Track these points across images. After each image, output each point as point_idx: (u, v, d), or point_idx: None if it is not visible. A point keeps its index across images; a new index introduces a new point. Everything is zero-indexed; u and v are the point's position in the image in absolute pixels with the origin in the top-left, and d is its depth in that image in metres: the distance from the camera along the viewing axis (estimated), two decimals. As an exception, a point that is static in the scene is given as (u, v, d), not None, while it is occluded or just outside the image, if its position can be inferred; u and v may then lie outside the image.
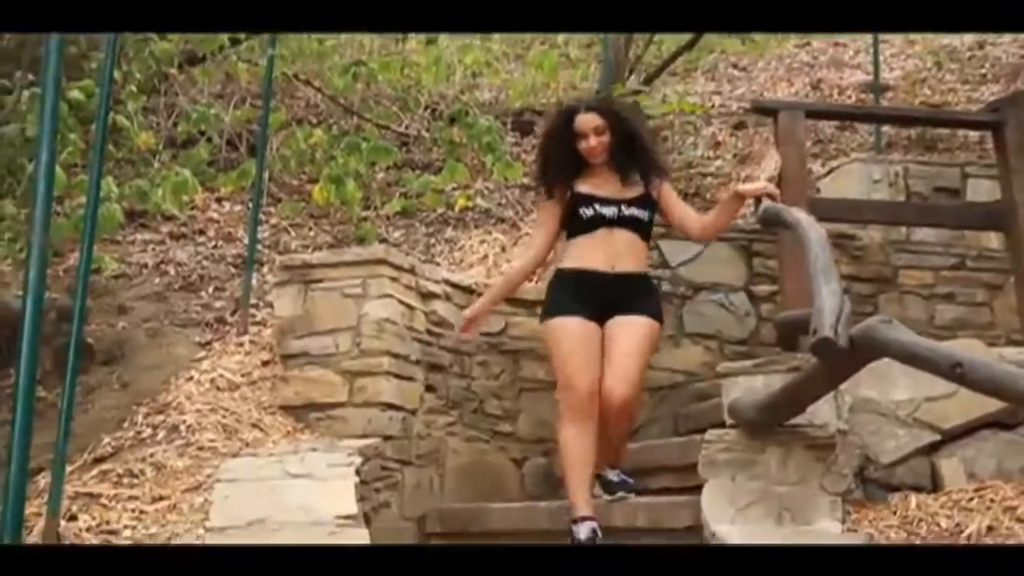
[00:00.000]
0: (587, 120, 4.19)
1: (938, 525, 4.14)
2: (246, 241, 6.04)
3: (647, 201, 4.24)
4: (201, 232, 6.62)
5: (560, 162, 4.23)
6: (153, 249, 6.31)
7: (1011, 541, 3.91)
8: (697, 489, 4.24)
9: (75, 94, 5.47)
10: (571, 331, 4.08)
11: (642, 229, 4.23)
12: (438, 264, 6.33)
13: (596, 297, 4.11)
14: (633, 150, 4.23)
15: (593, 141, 4.17)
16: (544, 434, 5.58)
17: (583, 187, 4.22)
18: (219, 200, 7.03)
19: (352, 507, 3.99)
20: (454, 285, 5.52)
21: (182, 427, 4.70)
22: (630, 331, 4.09)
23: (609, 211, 4.16)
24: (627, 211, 4.17)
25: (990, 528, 4.01)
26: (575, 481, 4.04)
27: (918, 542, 4.03)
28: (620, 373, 4.02)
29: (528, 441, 5.59)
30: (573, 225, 4.21)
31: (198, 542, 3.75)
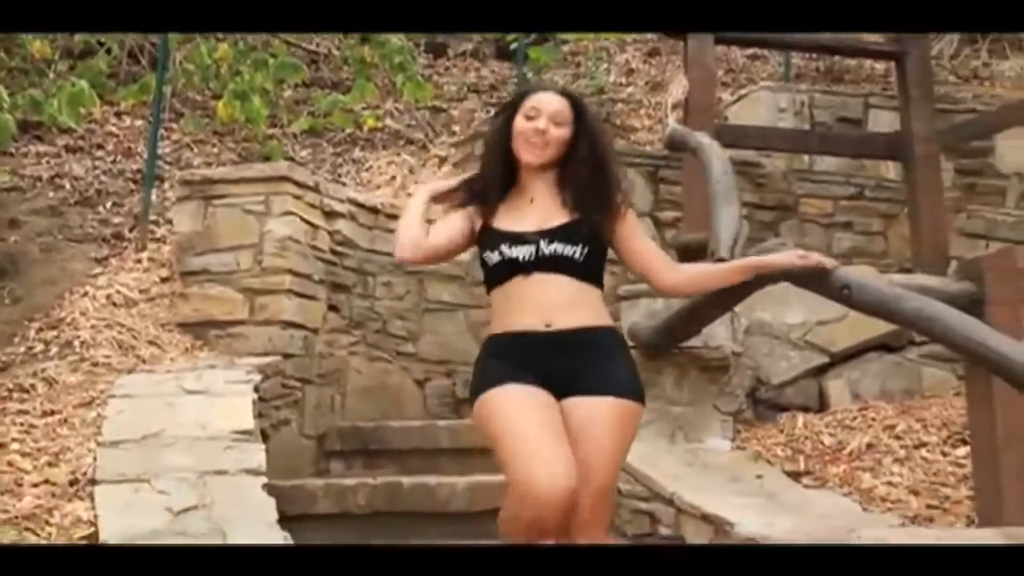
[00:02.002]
0: (549, 98, 2.82)
1: (822, 443, 4.30)
2: (146, 156, 5.88)
3: (577, 230, 2.78)
4: (99, 146, 6.43)
5: (492, 160, 2.85)
6: (48, 162, 6.12)
7: (888, 457, 4.09)
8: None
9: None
10: (515, 401, 2.63)
11: (576, 269, 2.77)
12: (345, 184, 6.25)
13: (538, 367, 2.68)
14: (590, 166, 2.82)
15: (544, 124, 2.78)
16: (447, 355, 5.61)
17: (501, 212, 2.81)
18: (119, 114, 6.81)
19: (248, 423, 3.98)
20: (359, 205, 5.47)
21: (76, 343, 4.61)
22: (593, 421, 2.66)
23: (521, 252, 2.73)
24: (547, 248, 2.74)
25: (870, 445, 4.18)
26: None
27: (801, 459, 4.19)
28: (581, 487, 2.56)
29: (431, 362, 5.61)
30: (485, 274, 2.84)
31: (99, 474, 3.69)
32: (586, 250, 2.76)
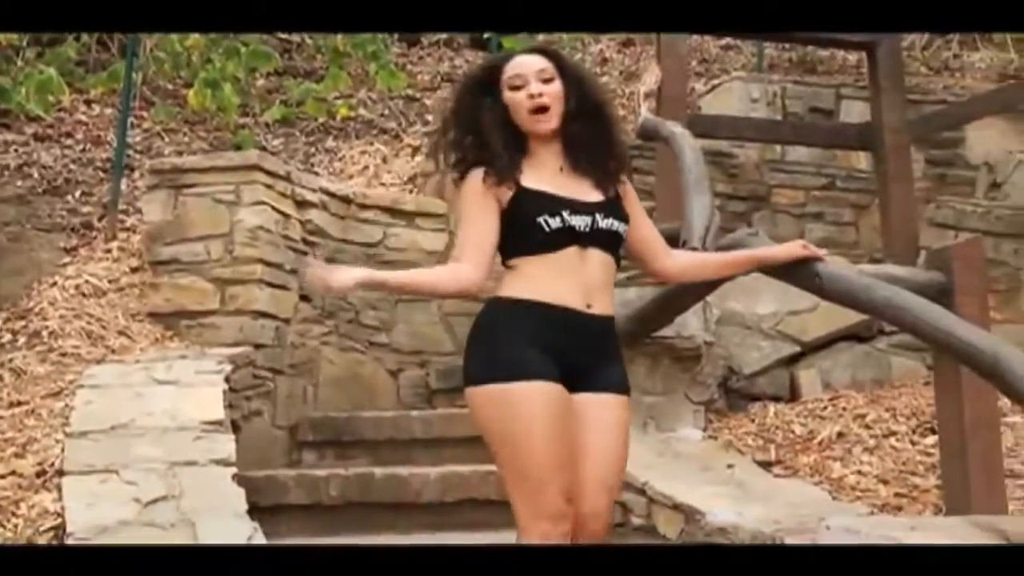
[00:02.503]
0: (526, 60, 2.58)
1: (793, 432, 4.33)
2: (115, 145, 5.82)
3: (620, 205, 2.63)
4: (68, 135, 6.36)
5: (492, 132, 2.57)
6: (16, 151, 6.04)
7: (858, 447, 4.12)
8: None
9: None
10: (544, 408, 2.41)
11: (617, 250, 2.63)
12: (317, 174, 6.22)
13: (565, 349, 2.48)
14: (596, 119, 2.62)
15: (536, 87, 2.54)
16: (420, 346, 5.60)
17: (530, 179, 2.56)
18: (88, 102, 6.74)
19: (219, 413, 3.95)
20: (331, 194, 5.44)
21: (44, 333, 4.57)
22: (608, 423, 2.52)
23: (581, 221, 2.53)
24: (604, 222, 2.56)
25: (840, 434, 4.21)
26: None
27: (772, 448, 4.21)
28: (592, 499, 2.48)
29: (404, 352, 5.60)
30: (520, 238, 2.54)
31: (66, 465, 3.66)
32: (627, 227, 2.61)
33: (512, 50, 2.72)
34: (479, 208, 2.52)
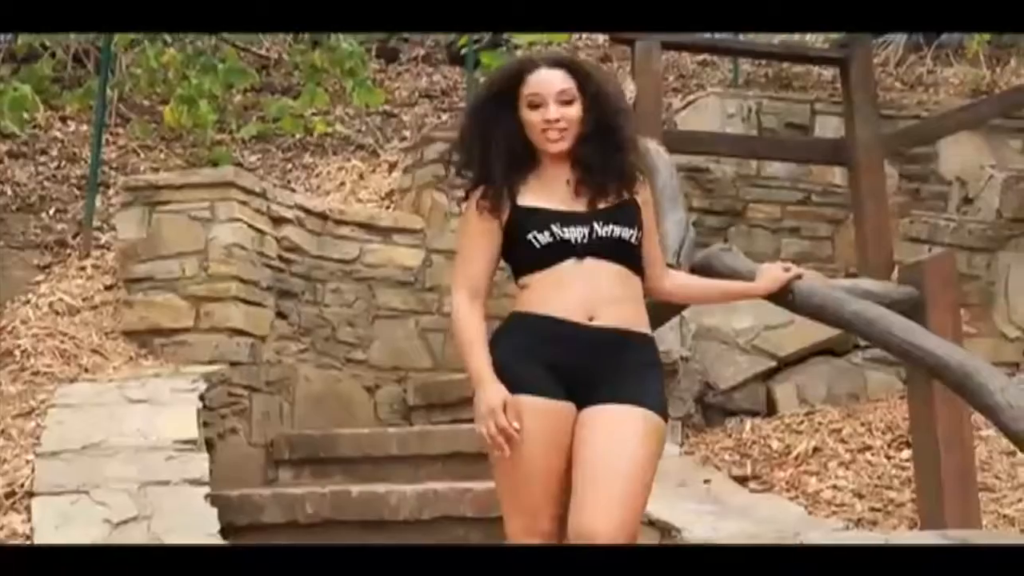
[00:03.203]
0: (548, 79, 2.52)
1: (769, 447, 4.34)
2: (90, 161, 5.80)
3: (630, 211, 2.56)
4: (43, 152, 6.33)
5: (499, 148, 2.54)
6: (-11, 168, 6.02)
7: (834, 461, 4.13)
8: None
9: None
10: (537, 423, 2.38)
11: (631, 256, 2.54)
12: (294, 190, 6.21)
13: (565, 364, 2.44)
14: (610, 139, 2.54)
15: (554, 112, 2.49)
16: (398, 362, 5.58)
17: (528, 196, 2.54)
18: (64, 119, 6.72)
19: (192, 432, 3.93)
20: (308, 211, 5.43)
21: (16, 352, 4.53)
22: (620, 433, 2.38)
23: (574, 233, 2.49)
24: (603, 229, 2.50)
25: (816, 449, 4.22)
26: None
27: (749, 463, 4.22)
28: (605, 509, 2.31)
29: (382, 369, 5.57)
30: (519, 257, 2.54)
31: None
32: (640, 234, 2.54)
33: (533, 57, 2.62)
34: (476, 234, 2.54)
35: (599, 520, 2.29)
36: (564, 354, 2.42)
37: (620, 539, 2.30)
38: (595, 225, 2.48)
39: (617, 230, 2.49)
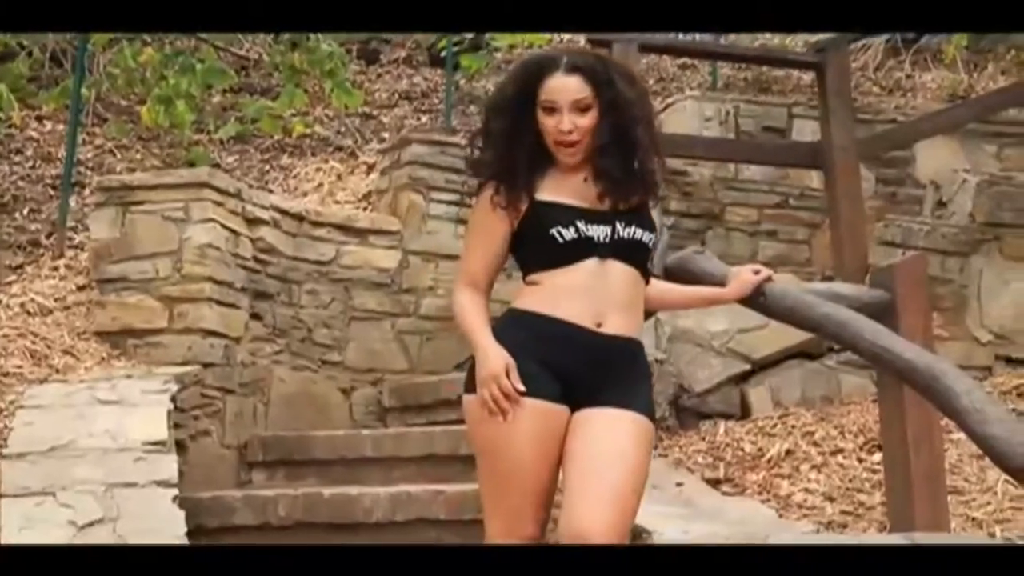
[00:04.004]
0: (565, 86, 2.46)
1: (742, 450, 4.33)
2: (65, 161, 5.76)
3: (648, 214, 2.54)
4: (18, 151, 6.29)
5: (519, 145, 2.49)
6: (-37, 167, 5.97)
7: (806, 464, 4.13)
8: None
9: None
10: (528, 424, 2.37)
11: (645, 260, 2.54)
12: (271, 191, 6.18)
13: (567, 367, 2.41)
14: (627, 148, 2.48)
15: (567, 123, 2.44)
16: (373, 364, 5.56)
17: (547, 192, 2.50)
18: (40, 119, 6.67)
19: (162, 433, 3.90)
20: (283, 211, 5.41)
21: (-14, 352, 4.49)
22: (613, 437, 2.38)
23: (599, 231, 2.45)
24: (625, 231, 2.47)
25: (788, 452, 4.22)
26: None
27: (722, 466, 4.21)
28: (598, 511, 2.31)
29: (357, 371, 5.55)
30: (536, 252, 2.49)
31: None
32: (656, 238, 2.53)
33: (555, 56, 2.53)
34: (484, 229, 2.50)
35: (588, 521, 2.28)
36: (567, 357, 2.39)
37: (610, 540, 2.29)
38: (617, 225, 2.46)
39: (639, 232, 2.47)
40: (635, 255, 2.47)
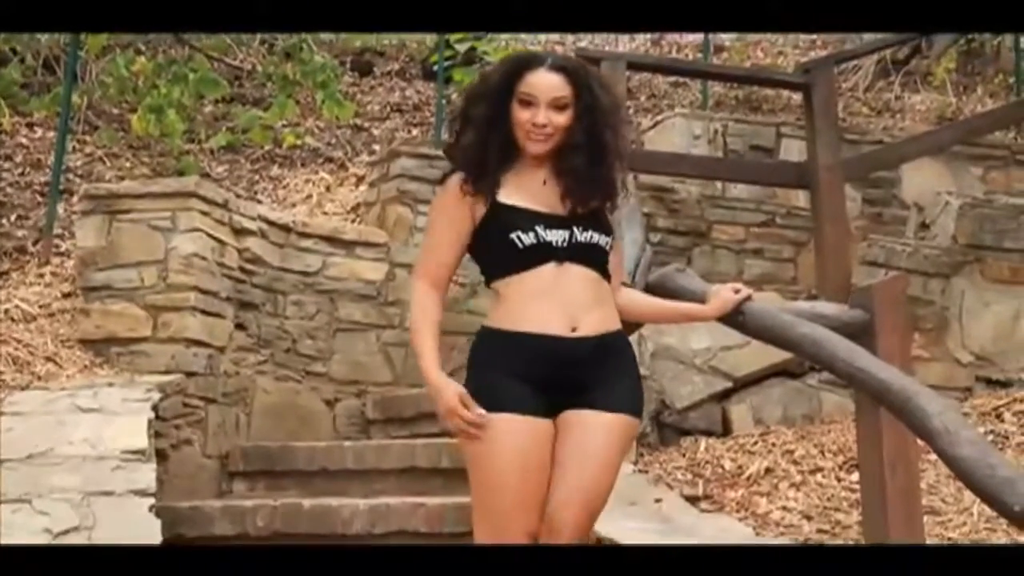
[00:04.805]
0: (546, 82, 2.52)
1: (722, 467, 4.35)
2: (53, 168, 5.77)
3: (604, 217, 2.59)
4: (8, 158, 6.30)
5: (493, 138, 2.53)
6: (-49, 173, 5.98)
7: (785, 482, 4.14)
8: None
9: None
10: (517, 443, 2.43)
11: (604, 262, 2.57)
12: (260, 201, 6.19)
13: (549, 378, 2.47)
14: (597, 153, 2.54)
15: (543, 117, 2.50)
16: (358, 376, 5.57)
17: (507, 194, 2.54)
18: (31, 125, 6.68)
19: (141, 442, 3.90)
20: (270, 222, 5.42)
21: (-32, 359, 4.49)
22: (599, 439, 2.47)
23: (557, 236, 2.50)
24: (583, 235, 2.52)
25: (768, 470, 4.24)
26: None
27: (701, 483, 4.22)
28: (579, 502, 2.43)
29: (342, 382, 5.55)
30: (495, 257, 2.55)
31: None
32: (610, 244, 2.57)
33: (538, 55, 2.62)
34: (447, 219, 2.55)
35: (572, 513, 2.41)
36: (545, 369, 2.45)
37: (587, 528, 2.47)
38: (575, 230, 2.50)
39: (595, 236, 2.52)
40: (592, 258, 2.53)
